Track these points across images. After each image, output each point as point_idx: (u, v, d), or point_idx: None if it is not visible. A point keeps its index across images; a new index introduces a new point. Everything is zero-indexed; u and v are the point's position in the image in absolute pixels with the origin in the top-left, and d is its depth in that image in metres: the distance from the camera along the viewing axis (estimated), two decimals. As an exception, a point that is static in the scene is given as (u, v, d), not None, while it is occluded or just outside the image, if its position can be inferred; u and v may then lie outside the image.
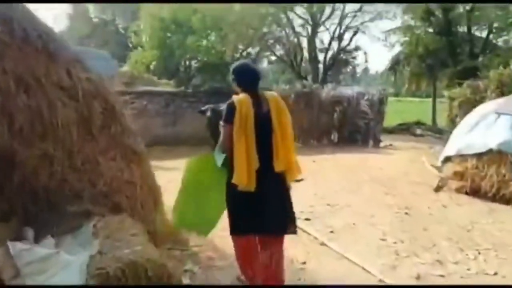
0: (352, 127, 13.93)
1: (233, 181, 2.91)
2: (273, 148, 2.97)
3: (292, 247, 4.22)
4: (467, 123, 7.52)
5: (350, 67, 27.73)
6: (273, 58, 31.75)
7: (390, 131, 17.72)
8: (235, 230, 3.09)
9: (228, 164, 3.00)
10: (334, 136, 14.53)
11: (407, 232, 4.95)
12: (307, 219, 5.20)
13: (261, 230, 3.02)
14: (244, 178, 2.88)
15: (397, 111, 24.40)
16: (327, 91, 14.20)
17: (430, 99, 29.38)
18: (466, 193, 6.94)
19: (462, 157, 7.20)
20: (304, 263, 4.01)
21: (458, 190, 7.05)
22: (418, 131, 19.66)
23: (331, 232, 4.82)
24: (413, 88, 29.55)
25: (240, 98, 2.99)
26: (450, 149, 7.46)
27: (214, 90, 12.24)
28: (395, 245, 4.50)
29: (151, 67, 29.62)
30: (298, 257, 4.11)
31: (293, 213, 3.13)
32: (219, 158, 3.03)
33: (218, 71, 31.19)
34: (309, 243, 4.40)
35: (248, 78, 3.10)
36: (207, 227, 3.33)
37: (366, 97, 13.95)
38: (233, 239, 3.17)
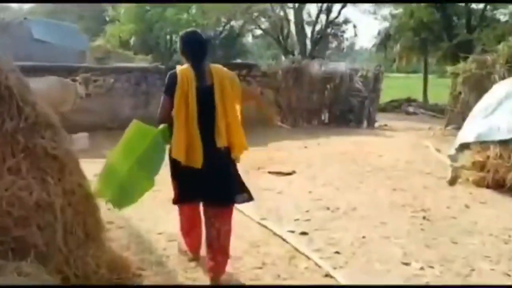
0: (344, 106, 12.76)
1: (173, 156, 2.80)
2: (214, 123, 2.84)
3: (288, 278, 3.09)
4: (488, 103, 6.35)
5: (338, 41, 26.31)
6: (258, 32, 30.21)
7: (382, 108, 16.68)
8: (179, 199, 3.09)
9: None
10: (325, 116, 13.39)
11: (432, 249, 3.82)
12: (303, 233, 4.03)
13: (204, 200, 2.97)
14: (182, 153, 2.78)
15: (386, 87, 23.30)
16: (317, 67, 12.92)
17: (418, 75, 28.35)
18: (487, 187, 5.87)
19: (483, 144, 6.08)
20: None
21: (478, 183, 5.97)
22: (411, 109, 18.68)
23: (336, 252, 3.66)
24: (403, 64, 28.26)
25: (183, 69, 2.86)
26: (468, 134, 6.30)
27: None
28: (424, 272, 3.36)
29: (131, 42, 27.96)
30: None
31: (242, 184, 3.05)
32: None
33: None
34: (310, 274, 3.23)
35: (195, 48, 2.89)
36: (125, 201, 2.81)
37: (360, 74, 12.74)
38: (178, 209, 3.23)
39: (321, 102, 13.08)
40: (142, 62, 20.13)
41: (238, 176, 3.03)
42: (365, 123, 12.55)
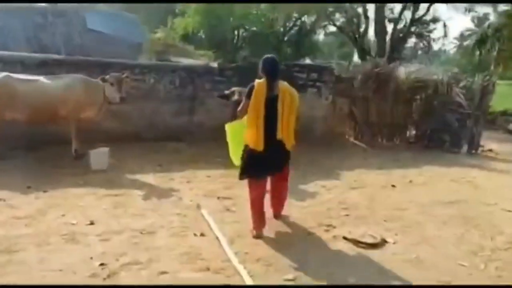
0: (438, 124, 10.14)
1: (245, 142, 4.14)
2: (277, 122, 4.02)
3: None
4: None
5: (424, 42, 23.11)
6: (331, 29, 27.73)
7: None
8: (249, 175, 4.19)
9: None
10: (410, 134, 10.85)
11: None
12: None
13: (267, 173, 4.25)
14: (253, 140, 4.04)
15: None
16: (406, 72, 10.41)
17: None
18: None
19: None
20: None
21: None
22: (512, 126, 15.46)
23: None
24: (499, 70, 24.37)
25: (259, 82, 4.04)
26: None
27: (248, 66, 8.89)
28: None
29: (197, 35, 26.71)
30: None
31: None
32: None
33: (268, 42, 27.89)
34: None
35: (270, 69, 4.06)
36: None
37: (462, 83, 10.05)
38: (248, 182, 4.25)
39: (406, 116, 10.57)
40: (202, 58, 18.59)
41: (288, 157, 4.30)
42: (464, 147, 9.85)
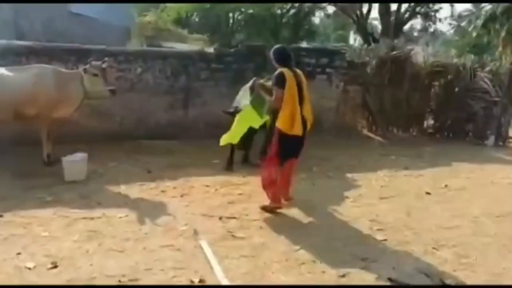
0: (461, 113, 9.12)
1: (283, 129, 4.16)
2: (303, 104, 4.24)
3: None
4: None
5: (430, 22, 21.92)
6: (331, 10, 26.45)
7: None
8: (285, 157, 4.28)
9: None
10: (428, 124, 9.83)
11: None
12: None
13: (299, 153, 4.43)
14: (293, 126, 4.13)
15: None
16: (424, 55, 9.35)
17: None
18: None
19: None
20: None
21: None
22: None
23: None
24: (507, 52, 23.29)
25: (286, 70, 4.14)
26: None
27: (248, 52, 7.77)
28: None
29: (190, 19, 25.45)
30: None
31: None
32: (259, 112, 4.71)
33: (264, 25, 26.62)
34: None
35: (286, 57, 4.28)
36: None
37: (488, 68, 8.99)
38: (279, 164, 4.30)
39: (424, 104, 9.55)
40: (197, 43, 17.39)
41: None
42: (491, 139, 8.84)
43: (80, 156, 5.13)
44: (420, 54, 9.31)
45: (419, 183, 5.63)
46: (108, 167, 5.64)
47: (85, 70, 5.41)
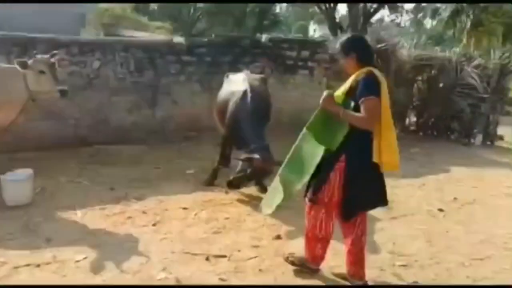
0: (446, 110, 8.63)
1: (382, 162, 2.67)
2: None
3: None
4: None
5: (397, 14, 21.65)
6: (296, -1, 25.64)
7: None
8: (367, 206, 2.89)
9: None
10: (410, 121, 9.33)
11: None
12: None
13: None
14: (396, 159, 2.73)
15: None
16: (408, 49, 8.78)
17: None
18: None
19: None
20: None
21: None
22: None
23: None
24: (471, 44, 23.45)
25: (378, 72, 2.69)
26: None
27: (224, 42, 6.83)
28: None
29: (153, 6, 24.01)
30: None
31: None
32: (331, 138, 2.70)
33: (229, 13, 25.50)
34: None
35: (371, 52, 2.87)
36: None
37: (475, 62, 8.51)
38: (359, 215, 2.84)
39: (407, 100, 9.01)
40: (159, 31, 16.15)
41: None
42: (478, 138, 8.41)
43: (25, 174, 4.08)
44: (405, 47, 8.72)
45: (426, 196, 4.98)
46: (60, 183, 4.64)
47: (24, 65, 4.31)
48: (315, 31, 41.27)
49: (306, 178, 2.76)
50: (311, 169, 2.73)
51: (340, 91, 2.75)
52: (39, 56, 4.49)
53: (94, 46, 5.86)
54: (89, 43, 5.88)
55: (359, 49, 2.74)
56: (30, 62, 4.36)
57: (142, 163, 5.56)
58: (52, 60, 4.48)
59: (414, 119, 9.34)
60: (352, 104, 2.63)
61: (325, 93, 2.75)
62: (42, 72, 4.34)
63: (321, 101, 2.74)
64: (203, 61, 6.64)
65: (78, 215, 3.86)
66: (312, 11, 28.76)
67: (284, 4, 31.20)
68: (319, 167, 2.75)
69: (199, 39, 7.05)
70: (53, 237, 3.39)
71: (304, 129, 2.76)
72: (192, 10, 27.09)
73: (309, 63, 7.66)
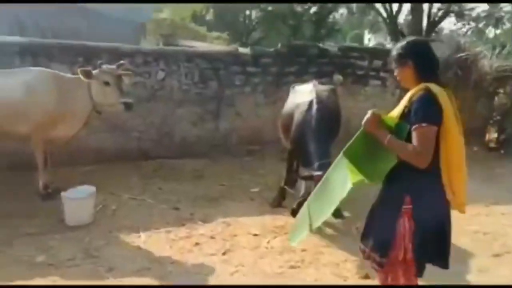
0: (534, 126, 7.72)
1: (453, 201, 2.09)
2: None
3: None
4: None
5: (465, 22, 20.40)
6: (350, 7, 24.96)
7: None
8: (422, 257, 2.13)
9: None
10: (490, 137, 8.46)
11: None
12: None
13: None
14: (465, 199, 2.11)
15: None
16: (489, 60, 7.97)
17: None
18: None
19: None
20: None
21: None
22: None
23: None
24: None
25: (439, 90, 2.03)
26: None
27: (291, 52, 6.44)
28: None
29: (208, 16, 24.20)
30: None
31: None
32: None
33: (284, 22, 25.22)
34: None
35: (433, 63, 2.14)
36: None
37: None
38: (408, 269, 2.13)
39: (487, 114, 8.18)
40: (216, 42, 16.10)
41: None
42: None
43: (87, 191, 3.85)
44: (487, 57, 7.92)
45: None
46: (122, 200, 4.39)
47: (88, 75, 4.08)
48: (370, 40, 40.28)
49: (332, 209, 2.21)
50: (337, 200, 2.18)
51: (395, 112, 2.12)
52: (104, 66, 4.28)
53: (158, 56, 5.63)
54: (153, 53, 5.66)
55: (419, 57, 2.11)
56: (95, 72, 4.16)
57: (205, 178, 5.25)
58: (119, 71, 4.26)
59: (494, 135, 8.46)
60: (408, 128, 2.02)
61: (369, 112, 2.11)
62: (107, 83, 4.12)
63: (363, 122, 2.11)
64: (268, 72, 6.27)
65: (141, 239, 3.55)
66: (367, 20, 27.86)
67: (341, 12, 30.53)
68: (372, 221, 2.20)
69: (263, 49, 6.64)
70: (115, 266, 3.09)
71: (341, 154, 2.18)
72: (247, 20, 27.09)
73: (381, 73, 7.07)
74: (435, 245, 2.12)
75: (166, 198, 4.50)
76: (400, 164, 2.04)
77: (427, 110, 1.96)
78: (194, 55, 5.91)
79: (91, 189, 3.88)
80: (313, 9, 24.88)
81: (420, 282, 2.23)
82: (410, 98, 2.03)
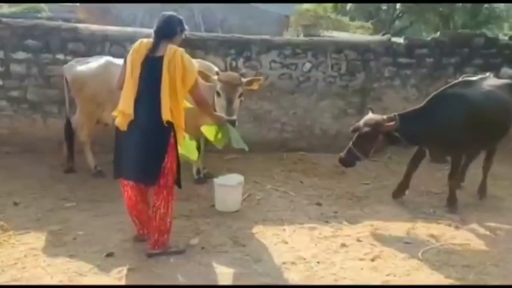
0: None
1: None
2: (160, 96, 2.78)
3: None
4: None
5: None
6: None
7: None
8: (115, 174, 3.02)
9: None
10: None
11: None
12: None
13: (130, 176, 2.92)
14: (119, 116, 2.86)
15: None
16: None
17: None
18: None
19: None
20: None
21: None
22: None
23: None
24: None
25: (138, 42, 2.90)
26: None
27: (449, 42, 5.77)
28: None
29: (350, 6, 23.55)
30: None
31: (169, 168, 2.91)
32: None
33: (433, 9, 23.17)
34: None
35: (156, 27, 2.93)
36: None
37: None
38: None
39: None
40: (359, 31, 15.52)
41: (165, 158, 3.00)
42: None
43: (236, 179, 3.96)
44: None
45: None
46: (266, 190, 4.42)
47: (207, 79, 3.75)
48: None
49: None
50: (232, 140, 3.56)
51: None
52: (232, 74, 3.99)
53: (306, 48, 5.54)
54: (303, 43, 5.59)
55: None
56: (219, 76, 3.83)
57: (347, 175, 5.01)
58: (243, 79, 3.87)
59: None
60: None
61: None
62: (217, 93, 3.77)
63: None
64: (423, 63, 5.74)
65: (286, 233, 3.51)
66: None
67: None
68: None
69: (419, 38, 6.11)
70: (262, 257, 3.09)
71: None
72: (391, 9, 25.59)
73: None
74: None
75: (307, 193, 4.41)
76: None
77: None
78: (344, 45, 5.68)
79: (240, 177, 3.97)
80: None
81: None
82: None
